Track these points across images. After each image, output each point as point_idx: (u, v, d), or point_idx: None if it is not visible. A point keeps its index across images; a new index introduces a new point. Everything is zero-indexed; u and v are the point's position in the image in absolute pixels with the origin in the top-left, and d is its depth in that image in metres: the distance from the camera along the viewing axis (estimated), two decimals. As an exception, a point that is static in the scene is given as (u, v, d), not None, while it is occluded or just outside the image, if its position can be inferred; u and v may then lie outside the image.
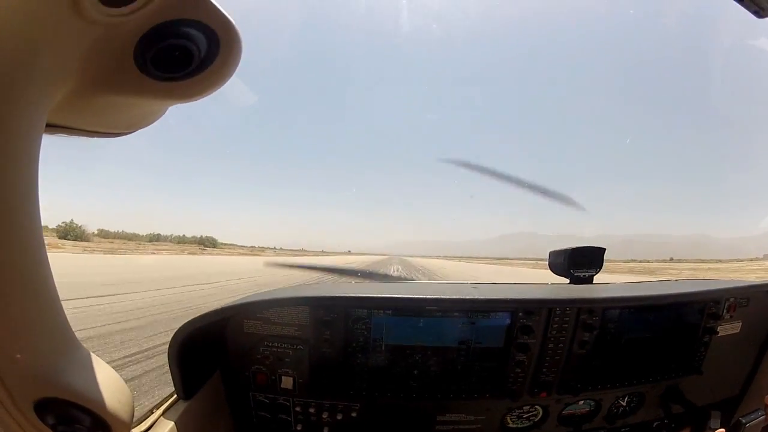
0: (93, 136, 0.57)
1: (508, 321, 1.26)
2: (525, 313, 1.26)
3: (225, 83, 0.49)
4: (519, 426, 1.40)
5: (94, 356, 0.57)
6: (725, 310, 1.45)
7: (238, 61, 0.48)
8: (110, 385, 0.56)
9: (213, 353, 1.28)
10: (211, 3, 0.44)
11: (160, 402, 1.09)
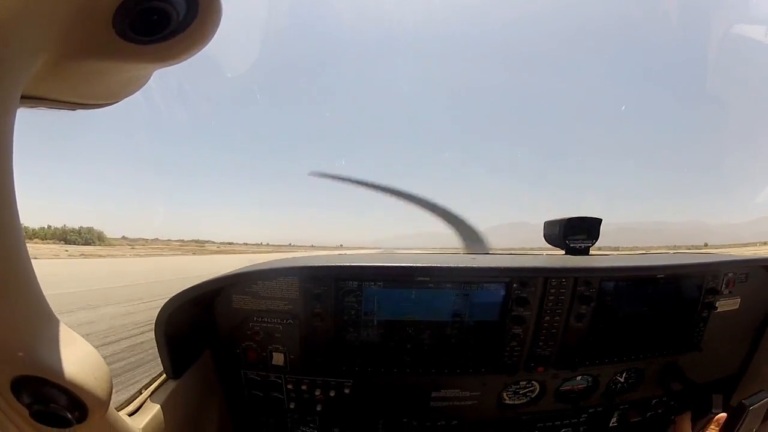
0: (74, 108, 0.55)
1: (502, 293, 1.23)
2: (520, 284, 1.22)
3: (204, 45, 0.47)
4: (516, 402, 1.38)
5: (70, 331, 0.55)
6: (724, 285, 1.42)
7: (218, 23, 0.46)
8: (87, 362, 0.54)
9: (202, 330, 1.24)
10: None
11: (149, 382, 1.05)
